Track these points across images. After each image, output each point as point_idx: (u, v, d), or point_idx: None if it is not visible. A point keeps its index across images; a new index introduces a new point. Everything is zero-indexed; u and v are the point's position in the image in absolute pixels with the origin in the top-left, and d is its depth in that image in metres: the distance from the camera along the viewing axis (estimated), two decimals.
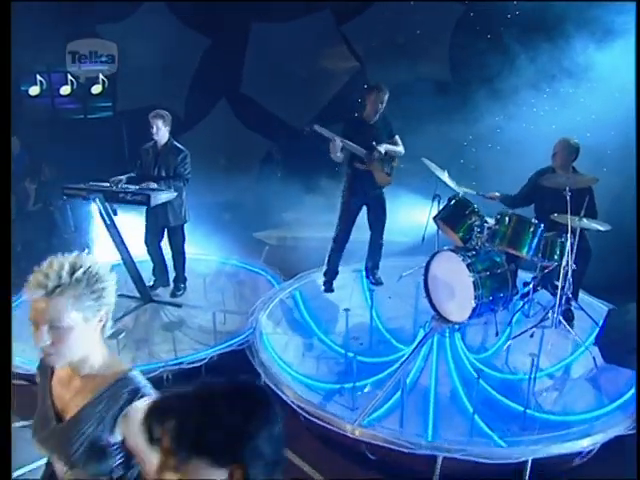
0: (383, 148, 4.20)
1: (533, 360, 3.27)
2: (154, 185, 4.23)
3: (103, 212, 4.06)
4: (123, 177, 4.38)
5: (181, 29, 7.83)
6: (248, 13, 7.77)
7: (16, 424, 3.32)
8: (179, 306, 4.56)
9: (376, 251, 4.56)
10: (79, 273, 1.31)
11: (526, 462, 2.72)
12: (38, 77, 7.61)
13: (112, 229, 4.18)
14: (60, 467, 1.42)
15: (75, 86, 7.81)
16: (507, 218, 3.58)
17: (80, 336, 1.35)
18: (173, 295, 4.72)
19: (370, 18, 7.76)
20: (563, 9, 5.87)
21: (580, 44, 5.44)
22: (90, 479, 1.40)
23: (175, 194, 4.27)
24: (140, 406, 1.33)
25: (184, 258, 4.75)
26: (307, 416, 3.13)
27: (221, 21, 7.80)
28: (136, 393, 1.37)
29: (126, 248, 4.30)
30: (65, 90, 7.76)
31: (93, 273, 1.34)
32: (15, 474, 2.89)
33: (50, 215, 7.16)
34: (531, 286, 3.86)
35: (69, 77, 7.77)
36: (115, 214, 4.15)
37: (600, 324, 3.59)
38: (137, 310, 4.49)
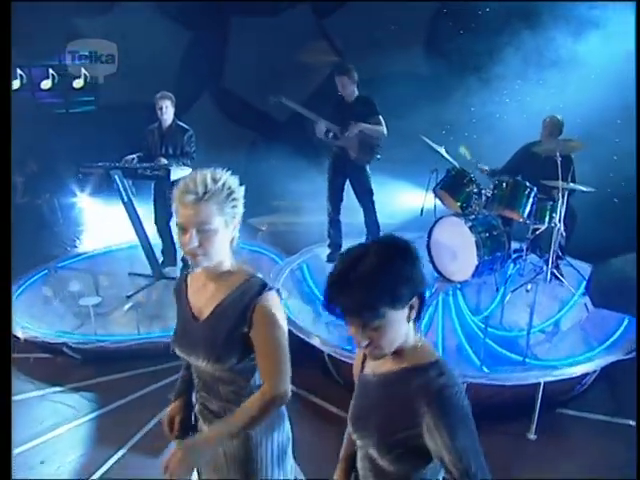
0: (357, 127, 4.50)
1: (531, 309, 3.71)
2: (165, 161, 4.47)
3: (121, 189, 4.28)
4: (134, 156, 4.60)
5: (162, 23, 8.03)
6: (229, 7, 8.06)
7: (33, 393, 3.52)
8: None
9: (370, 227, 4.86)
10: (220, 183, 1.57)
11: (538, 386, 3.14)
12: (18, 71, 7.65)
13: (129, 206, 4.41)
14: (200, 365, 1.66)
15: (56, 80, 7.89)
16: (504, 183, 4.04)
17: (221, 239, 1.59)
18: (183, 271, 4.94)
19: (348, 13, 8.19)
20: (532, 6, 6.49)
21: (552, 35, 6.02)
22: (227, 372, 1.64)
23: (190, 170, 4.52)
24: (270, 297, 1.61)
25: None
26: (335, 354, 3.44)
27: (202, 15, 8.05)
28: (264, 287, 1.62)
29: (141, 225, 4.53)
30: (46, 84, 7.85)
31: (230, 184, 1.59)
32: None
33: (38, 208, 7.23)
34: (525, 247, 4.32)
35: (50, 71, 7.85)
36: (133, 193, 4.37)
37: (587, 277, 4.08)
38: (149, 287, 4.69)
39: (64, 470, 3.01)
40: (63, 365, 3.96)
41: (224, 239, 1.60)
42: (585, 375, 3.41)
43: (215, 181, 1.56)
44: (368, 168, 4.73)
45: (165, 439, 1.88)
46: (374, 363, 1.42)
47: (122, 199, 4.40)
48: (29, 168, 7.29)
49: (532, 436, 3.25)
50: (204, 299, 1.68)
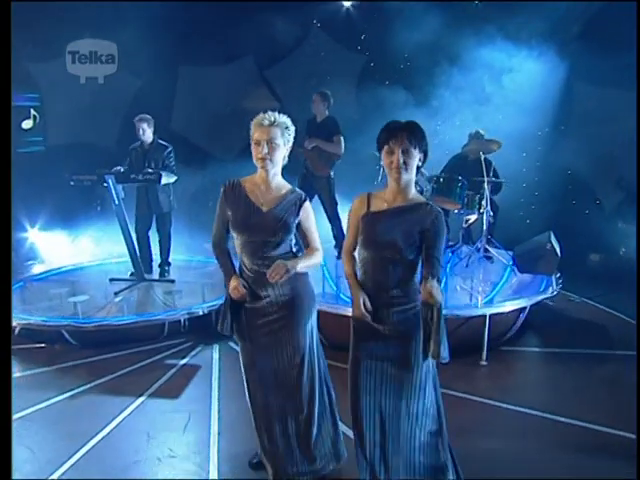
0: (311, 142, 5.57)
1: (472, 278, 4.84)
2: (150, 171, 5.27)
3: (114, 192, 5.00)
4: (119, 168, 5.34)
5: (114, 70, 8.90)
6: (177, 57, 9.13)
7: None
8: (172, 281, 5.47)
9: (337, 237, 5.77)
10: (284, 118, 2.58)
11: (485, 317, 4.19)
12: (32, 111, 8.16)
13: (119, 209, 5.10)
14: (264, 239, 2.56)
15: None
16: (441, 179, 5.28)
17: (280, 153, 2.57)
18: (161, 276, 5.61)
19: (288, 64, 9.59)
20: (454, 55, 8.24)
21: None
22: (279, 241, 2.58)
23: (176, 177, 5.34)
24: (308, 202, 2.65)
25: (170, 243, 5.71)
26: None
27: (151, 64, 9.01)
28: (305, 198, 2.67)
29: (127, 227, 5.21)
30: None
31: (288, 121, 2.59)
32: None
33: None
34: (460, 235, 5.52)
35: None
36: (123, 196, 5.09)
37: (512, 254, 5.33)
38: (132, 288, 5.30)
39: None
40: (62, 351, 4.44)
41: (281, 154, 2.61)
42: (518, 316, 4.51)
43: (280, 116, 2.57)
44: (332, 180, 5.69)
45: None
46: (387, 200, 2.41)
47: (113, 202, 5.10)
48: None
49: (484, 362, 4.26)
50: (263, 197, 2.62)
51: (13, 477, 2.32)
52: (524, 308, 4.54)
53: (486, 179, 5.30)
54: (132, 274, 5.55)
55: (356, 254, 2.54)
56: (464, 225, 5.54)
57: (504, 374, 4.23)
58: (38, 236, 7.88)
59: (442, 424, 2.57)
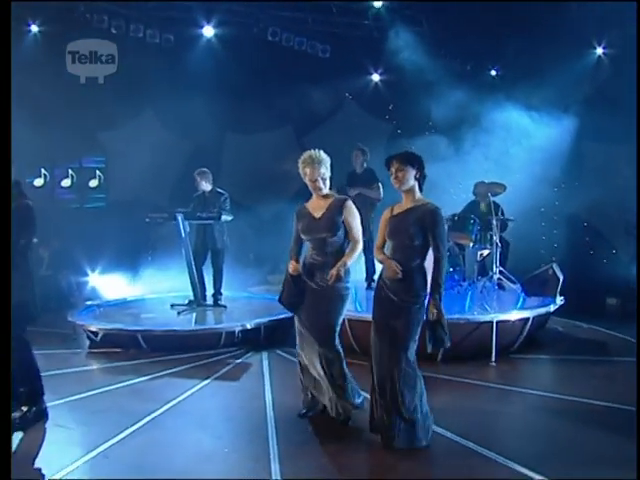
0: (355, 190, 6.84)
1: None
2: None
3: (181, 227, 6.35)
4: (183, 210, 6.71)
5: (170, 137, 10.59)
6: (224, 125, 10.81)
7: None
8: (225, 307, 6.66)
9: (368, 269, 7.01)
10: (325, 157, 3.84)
11: (492, 324, 5.22)
12: (42, 171, 9.86)
13: (185, 241, 6.43)
14: (320, 237, 3.76)
15: (74, 179, 10.14)
16: (456, 217, 6.47)
17: (326, 181, 3.82)
18: (215, 304, 6.82)
19: (323, 132, 11.17)
20: (475, 122, 9.66)
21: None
22: (330, 238, 3.76)
23: (232, 217, 6.68)
24: (350, 202, 3.84)
25: (222, 275, 6.96)
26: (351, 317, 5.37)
27: (202, 130, 10.66)
28: (346, 199, 3.87)
29: (190, 257, 6.50)
30: (66, 182, 10.04)
31: (327, 159, 3.84)
32: None
33: (58, 281, 8.94)
34: (476, 267, 6.64)
35: (69, 172, 10.12)
36: (187, 230, 6.43)
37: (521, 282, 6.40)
38: (189, 312, 6.51)
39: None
40: (136, 354, 5.61)
41: (327, 181, 3.87)
42: (523, 327, 5.50)
43: (320, 153, 3.85)
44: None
45: None
46: (402, 206, 3.60)
47: (180, 236, 6.44)
48: (52, 247, 9.12)
49: (493, 363, 5.24)
50: (317, 209, 3.89)
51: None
52: (528, 319, 5.53)
53: (494, 218, 6.47)
54: (190, 302, 6.76)
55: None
56: (478, 259, 6.65)
57: (510, 370, 5.24)
58: (98, 279, 9.24)
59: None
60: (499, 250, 6.48)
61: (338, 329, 3.86)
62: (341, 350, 3.84)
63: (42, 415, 3.96)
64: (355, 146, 7.33)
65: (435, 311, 3.43)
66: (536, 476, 3.15)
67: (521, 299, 6.19)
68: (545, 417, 4.16)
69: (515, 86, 9.82)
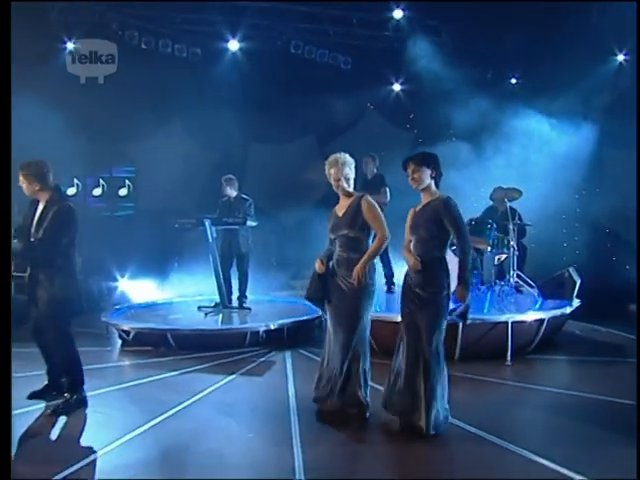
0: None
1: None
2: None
3: (209, 232, 6.73)
4: (210, 216, 7.10)
5: (196, 147, 11.04)
6: (249, 136, 11.23)
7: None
8: (249, 309, 7.01)
9: (386, 267, 7.32)
10: (349, 158, 4.17)
11: (507, 324, 5.45)
12: (75, 180, 10.39)
13: (212, 245, 6.82)
14: (344, 233, 4.08)
15: (105, 188, 10.66)
16: (473, 221, 6.71)
17: (350, 180, 4.14)
18: (240, 307, 7.17)
19: (345, 142, 11.51)
20: (495, 130, 9.89)
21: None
22: (354, 234, 4.07)
23: (256, 223, 7.04)
24: (367, 196, 4.14)
25: (247, 278, 7.32)
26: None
27: (228, 140, 11.09)
28: (363, 195, 4.17)
29: (217, 260, 6.87)
30: (97, 191, 10.56)
31: (351, 160, 4.17)
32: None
33: (89, 287, 9.40)
34: (493, 271, 6.86)
35: (100, 181, 10.65)
36: (214, 235, 6.81)
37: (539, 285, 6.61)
38: (215, 314, 6.87)
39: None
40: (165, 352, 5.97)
41: (351, 181, 4.19)
42: (539, 328, 5.71)
43: (345, 156, 4.17)
44: None
45: None
46: (422, 203, 3.90)
47: (207, 240, 6.82)
48: (84, 253, 9.61)
49: (508, 363, 5.45)
50: (341, 209, 4.21)
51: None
52: (544, 320, 5.74)
53: (511, 223, 6.70)
54: (216, 304, 7.12)
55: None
56: (496, 263, 6.87)
57: (525, 369, 5.46)
58: (127, 284, 9.69)
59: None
60: (516, 254, 6.70)
61: (365, 325, 4.12)
62: (365, 346, 4.11)
63: (82, 402, 4.33)
64: (366, 154, 7.68)
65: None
66: (575, 475, 3.25)
67: (538, 302, 6.39)
68: (558, 411, 4.35)
69: (535, 94, 10.07)
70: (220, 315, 6.86)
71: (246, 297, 7.36)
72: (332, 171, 4.13)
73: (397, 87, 11.61)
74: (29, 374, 4.86)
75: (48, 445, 3.81)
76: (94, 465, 3.43)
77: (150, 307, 7.60)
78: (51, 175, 4.37)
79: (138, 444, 3.70)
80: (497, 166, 9.53)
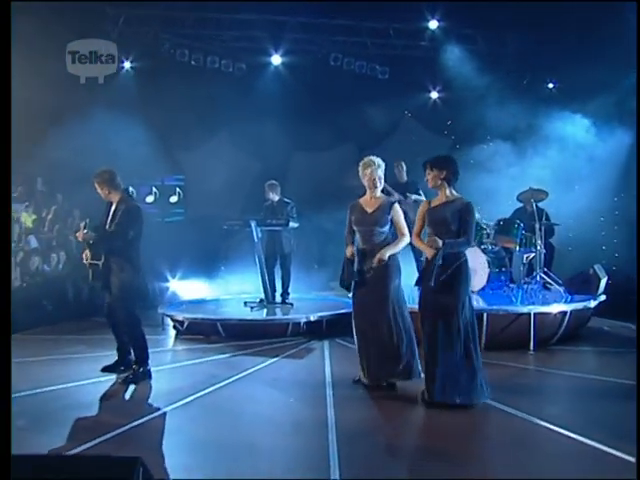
0: (412, 197, 8.03)
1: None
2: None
3: (255, 233, 7.53)
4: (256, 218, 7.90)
5: (242, 156, 11.93)
6: (291, 144, 12.04)
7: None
8: (292, 304, 7.76)
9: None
10: (380, 161, 4.88)
11: (530, 315, 6.00)
12: (130, 188, 11.42)
13: (258, 245, 7.62)
14: (370, 229, 4.80)
15: (157, 196, 11.68)
16: (502, 222, 7.28)
17: (380, 181, 4.86)
18: (283, 302, 7.94)
19: (384, 148, 12.16)
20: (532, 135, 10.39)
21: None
22: (379, 230, 4.79)
23: (298, 224, 7.81)
24: (397, 204, 4.86)
25: (290, 277, 8.08)
26: None
27: (271, 149, 11.93)
28: (395, 201, 4.91)
29: (262, 259, 7.66)
30: (149, 198, 11.59)
31: (382, 163, 4.89)
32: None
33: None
34: (523, 269, 7.39)
35: (153, 189, 11.68)
36: (260, 236, 7.61)
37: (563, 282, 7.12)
38: (260, 309, 7.64)
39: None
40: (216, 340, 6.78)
41: (381, 182, 4.90)
42: (562, 320, 6.22)
43: (377, 159, 4.89)
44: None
45: None
46: (438, 199, 4.56)
47: (254, 239, 7.63)
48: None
49: (531, 352, 5.99)
50: (369, 206, 4.91)
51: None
52: (567, 313, 6.24)
53: (538, 223, 7.22)
54: (261, 300, 7.90)
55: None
56: (524, 261, 7.40)
57: (547, 357, 5.98)
58: (177, 284, 10.61)
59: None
60: (543, 253, 7.20)
61: (400, 303, 4.80)
62: (400, 323, 4.76)
63: (148, 375, 5.16)
64: (397, 160, 8.40)
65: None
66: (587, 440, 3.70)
67: (564, 298, 6.89)
68: (576, 390, 4.95)
69: (573, 98, 10.51)
70: (265, 310, 7.63)
71: (288, 294, 8.11)
72: (367, 171, 4.84)
73: (434, 94, 12.23)
74: (97, 354, 5.81)
75: (121, 404, 4.68)
76: (163, 418, 4.24)
77: (199, 303, 8.45)
78: (118, 180, 5.25)
79: (196, 406, 4.49)
80: (534, 169, 10.01)
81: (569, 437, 3.75)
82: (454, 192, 4.58)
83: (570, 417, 4.18)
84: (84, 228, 5.11)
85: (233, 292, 9.32)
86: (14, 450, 2.65)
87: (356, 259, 4.83)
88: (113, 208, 5.23)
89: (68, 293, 8.92)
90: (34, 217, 10.10)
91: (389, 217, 4.79)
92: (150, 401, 4.68)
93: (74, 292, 8.98)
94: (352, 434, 3.86)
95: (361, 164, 4.91)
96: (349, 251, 4.86)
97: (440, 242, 4.36)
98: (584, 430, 3.79)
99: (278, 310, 7.70)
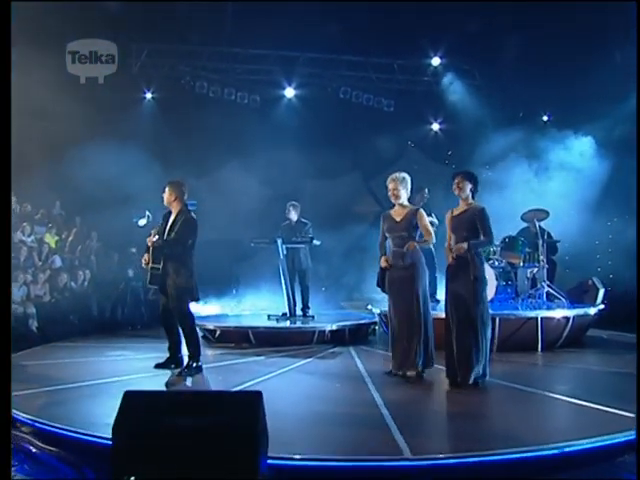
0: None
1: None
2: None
3: (280, 249, 8.36)
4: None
5: (255, 184, 12.80)
6: (303, 173, 12.97)
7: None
8: (313, 317, 8.55)
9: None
10: (405, 176, 5.80)
11: (537, 319, 6.87)
12: (147, 212, 12.24)
13: (282, 262, 8.44)
14: (400, 234, 5.68)
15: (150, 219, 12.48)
16: (507, 238, 8.21)
17: (405, 193, 5.76)
18: (304, 316, 8.72)
19: (389, 176, 13.16)
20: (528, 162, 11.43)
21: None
22: (407, 234, 5.68)
23: (319, 242, 8.66)
24: (421, 209, 5.76)
25: (309, 292, 8.89)
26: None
27: (283, 176, 12.82)
28: (419, 208, 5.80)
29: (287, 275, 8.48)
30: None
31: (408, 178, 5.80)
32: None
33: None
34: (527, 282, 8.29)
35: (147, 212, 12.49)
36: (285, 253, 8.44)
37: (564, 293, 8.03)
38: (284, 321, 8.43)
39: None
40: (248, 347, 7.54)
41: (406, 194, 5.82)
42: (566, 324, 7.10)
43: (402, 174, 5.81)
44: None
45: None
46: (459, 208, 5.47)
47: (279, 256, 8.44)
48: None
49: (539, 352, 6.84)
50: (398, 215, 5.81)
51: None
52: (569, 318, 7.13)
53: (540, 239, 8.16)
54: (284, 314, 8.68)
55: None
56: (528, 276, 8.32)
57: (554, 356, 6.86)
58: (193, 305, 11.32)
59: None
60: (545, 267, 8.12)
61: (425, 303, 5.61)
62: (427, 319, 5.60)
63: (200, 369, 5.90)
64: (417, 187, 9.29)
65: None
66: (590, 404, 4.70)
67: (566, 306, 7.79)
68: (580, 375, 5.92)
69: (566, 128, 11.58)
70: (288, 322, 8.40)
71: (309, 308, 8.90)
72: (391, 185, 5.74)
73: (436, 126, 13.37)
74: (140, 357, 6.68)
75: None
76: None
77: (224, 317, 9.21)
78: (186, 193, 6.09)
79: (257, 388, 5.24)
80: (530, 195, 11.01)
81: (576, 403, 4.66)
82: (474, 201, 5.52)
83: (576, 391, 5.07)
84: (155, 235, 5.93)
85: (251, 309, 10.10)
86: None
87: (389, 261, 5.70)
88: (172, 218, 6.05)
89: (92, 308, 9.71)
90: (56, 238, 10.87)
91: (415, 222, 5.65)
92: (212, 388, 5.44)
93: (98, 308, 9.78)
94: (400, 408, 4.64)
95: (388, 179, 5.79)
96: (384, 262, 5.71)
97: (465, 245, 5.26)
98: (588, 397, 4.70)
99: (299, 322, 8.47)
